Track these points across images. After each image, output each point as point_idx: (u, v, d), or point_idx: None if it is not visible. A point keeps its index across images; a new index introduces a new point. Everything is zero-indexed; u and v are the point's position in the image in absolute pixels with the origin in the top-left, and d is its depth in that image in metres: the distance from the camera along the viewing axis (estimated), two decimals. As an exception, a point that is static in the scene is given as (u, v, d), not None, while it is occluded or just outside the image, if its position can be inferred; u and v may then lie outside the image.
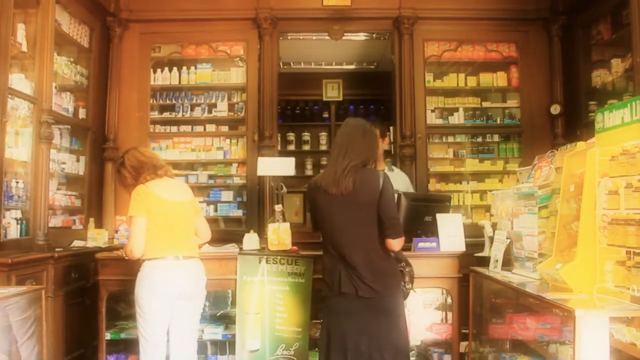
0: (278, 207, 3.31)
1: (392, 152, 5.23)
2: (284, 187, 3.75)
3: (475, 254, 3.33)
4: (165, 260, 2.78)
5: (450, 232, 3.22)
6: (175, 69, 5.01)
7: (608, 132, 2.27)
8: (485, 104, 5.12)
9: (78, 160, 4.41)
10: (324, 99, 7.13)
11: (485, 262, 3.10)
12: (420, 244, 3.22)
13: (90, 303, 3.52)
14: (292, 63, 6.74)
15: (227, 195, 4.98)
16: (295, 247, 3.30)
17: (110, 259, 3.25)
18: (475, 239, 3.45)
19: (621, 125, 2.19)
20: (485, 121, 5.10)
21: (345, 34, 5.13)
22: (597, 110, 2.45)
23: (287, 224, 3.27)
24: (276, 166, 3.59)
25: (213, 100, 5.07)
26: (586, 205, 2.21)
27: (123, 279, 3.09)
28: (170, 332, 2.86)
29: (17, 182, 3.43)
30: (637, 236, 1.99)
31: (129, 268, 2.96)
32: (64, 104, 4.15)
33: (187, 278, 2.85)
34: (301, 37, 5.38)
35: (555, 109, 4.84)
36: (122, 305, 3.47)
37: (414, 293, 2.73)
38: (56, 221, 4.07)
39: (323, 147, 7.12)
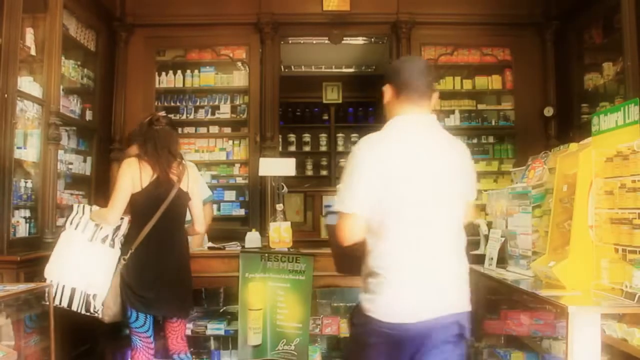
0: (279, 207, 3.34)
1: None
2: (285, 187, 3.81)
3: (471, 252, 3.36)
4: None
5: (447, 231, 3.27)
6: (179, 72, 5.08)
7: (603, 135, 2.31)
8: (481, 107, 5.19)
9: (85, 161, 4.46)
10: (324, 101, 7.20)
11: (480, 259, 3.11)
12: (418, 242, 3.28)
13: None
14: (293, 66, 6.81)
15: (230, 195, 5.05)
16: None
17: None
18: (470, 237, 3.47)
19: (615, 128, 2.23)
20: (481, 123, 5.16)
21: (344, 38, 5.20)
22: (593, 114, 2.49)
23: (288, 223, 3.30)
24: (277, 166, 3.62)
25: (216, 103, 5.14)
26: (579, 205, 2.21)
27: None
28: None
29: (25, 182, 3.48)
30: (630, 234, 2.02)
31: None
32: (71, 106, 4.20)
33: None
34: (302, 41, 5.47)
35: (549, 111, 4.89)
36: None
37: None
38: (63, 220, 4.12)
39: (323, 148, 7.20)
